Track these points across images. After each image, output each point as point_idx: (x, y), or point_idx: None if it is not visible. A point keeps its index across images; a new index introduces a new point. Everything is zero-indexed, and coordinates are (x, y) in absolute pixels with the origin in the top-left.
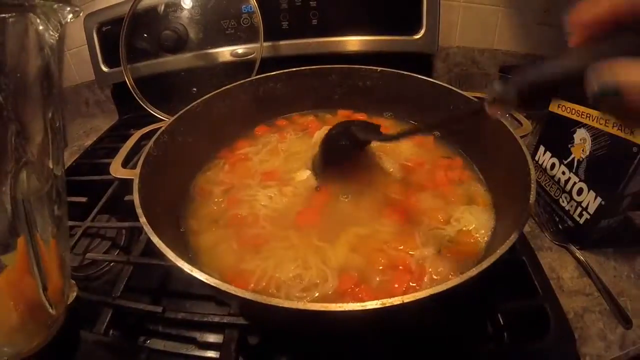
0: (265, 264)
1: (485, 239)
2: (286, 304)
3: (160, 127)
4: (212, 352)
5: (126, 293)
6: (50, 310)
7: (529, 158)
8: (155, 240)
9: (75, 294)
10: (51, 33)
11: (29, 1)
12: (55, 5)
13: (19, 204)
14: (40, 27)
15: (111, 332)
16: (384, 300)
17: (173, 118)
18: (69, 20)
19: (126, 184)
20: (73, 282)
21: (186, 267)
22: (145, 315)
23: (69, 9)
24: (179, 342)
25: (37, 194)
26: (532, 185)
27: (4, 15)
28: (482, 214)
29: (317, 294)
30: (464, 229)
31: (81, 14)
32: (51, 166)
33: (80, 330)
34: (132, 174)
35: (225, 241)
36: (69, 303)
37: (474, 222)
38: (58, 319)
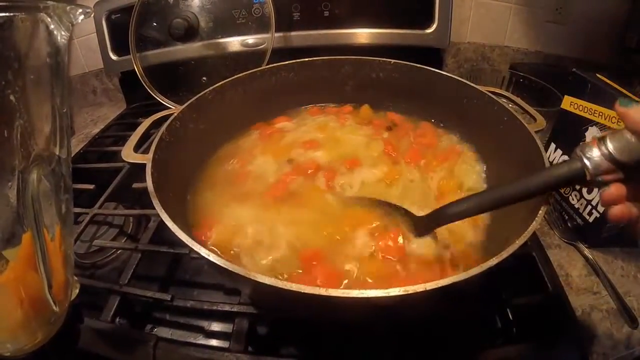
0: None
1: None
2: (307, 289)
3: (173, 113)
4: (221, 341)
5: (133, 281)
6: (54, 307)
7: (543, 153)
8: (170, 224)
9: (77, 290)
10: (63, 33)
11: (41, 2)
12: (68, 7)
13: (28, 204)
14: (52, 27)
15: (118, 320)
16: (407, 287)
17: (185, 105)
18: (79, 20)
19: (134, 172)
20: (75, 278)
21: (203, 252)
22: (152, 304)
23: (80, 10)
24: (186, 330)
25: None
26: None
27: (15, 13)
28: None
29: None
30: None
31: (92, 15)
32: (57, 152)
33: (80, 325)
34: (145, 159)
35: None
36: (71, 299)
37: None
38: (61, 315)
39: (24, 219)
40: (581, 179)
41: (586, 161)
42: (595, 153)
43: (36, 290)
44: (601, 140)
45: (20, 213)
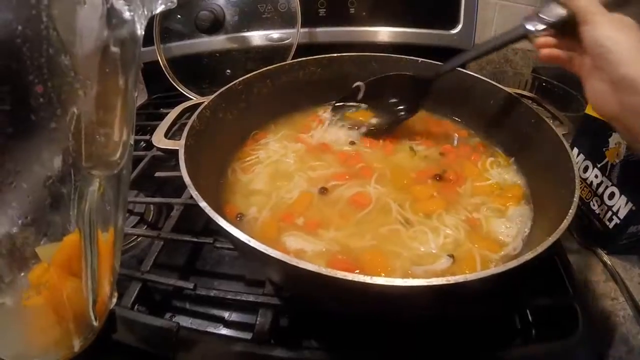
0: None
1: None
2: (350, 277)
3: (202, 102)
4: (242, 332)
5: (154, 269)
6: (95, 323)
7: (571, 155)
8: (208, 210)
9: (115, 299)
10: (143, 22)
11: None
12: None
13: (85, 218)
14: (127, 14)
15: (137, 307)
16: (449, 278)
17: (216, 94)
18: (159, 10)
19: (155, 162)
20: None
21: (243, 237)
22: (172, 292)
23: None
24: (206, 320)
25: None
26: (577, 181)
27: None
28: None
29: None
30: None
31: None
32: (125, 137)
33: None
34: (176, 145)
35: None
36: (110, 309)
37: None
38: (99, 328)
39: (72, 219)
40: (524, 36)
41: (527, 25)
42: (533, 19)
43: (77, 303)
44: (537, 12)
45: (62, 210)
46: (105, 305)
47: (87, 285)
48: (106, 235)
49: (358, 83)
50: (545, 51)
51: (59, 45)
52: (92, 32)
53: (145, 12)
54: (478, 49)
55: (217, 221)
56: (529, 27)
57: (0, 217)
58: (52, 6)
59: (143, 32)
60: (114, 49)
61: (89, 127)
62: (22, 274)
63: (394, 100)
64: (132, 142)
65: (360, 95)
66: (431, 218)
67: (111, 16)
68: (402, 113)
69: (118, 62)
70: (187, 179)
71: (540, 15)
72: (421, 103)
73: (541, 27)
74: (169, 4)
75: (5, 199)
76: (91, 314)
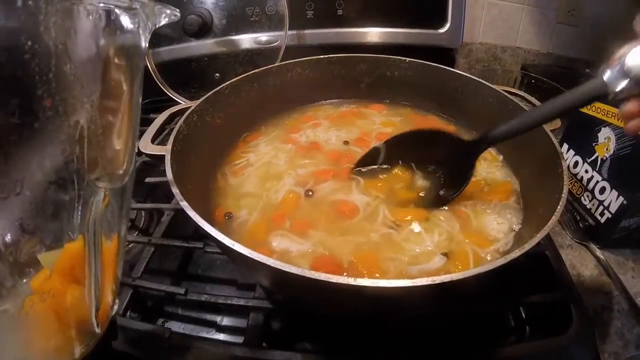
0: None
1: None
2: (334, 279)
3: (189, 107)
4: (234, 336)
5: (145, 275)
6: (97, 330)
7: (559, 150)
8: (192, 214)
9: (116, 306)
10: (147, 35)
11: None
12: (157, 7)
13: (90, 228)
14: (131, 26)
15: (129, 313)
16: (434, 278)
17: (202, 98)
18: (162, 23)
19: (146, 167)
20: None
21: (228, 242)
22: (164, 298)
23: (168, 11)
24: (198, 325)
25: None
26: (565, 177)
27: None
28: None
29: None
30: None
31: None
32: (130, 149)
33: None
34: (163, 150)
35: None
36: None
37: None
38: (100, 336)
39: (74, 226)
40: (603, 94)
41: (605, 77)
42: (614, 70)
43: (79, 311)
44: (620, 57)
45: (65, 218)
46: (107, 313)
47: (91, 293)
48: (110, 244)
49: (376, 144)
50: (633, 124)
51: (65, 59)
52: (97, 44)
53: (150, 25)
54: (539, 113)
55: (196, 221)
56: (610, 81)
57: (4, 224)
58: (58, 20)
59: (147, 45)
60: (119, 61)
61: (94, 137)
62: (24, 280)
63: (427, 168)
64: (136, 151)
65: (381, 160)
66: (420, 217)
67: (116, 28)
68: (442, 191)
69: (122, 73)
70: (171, 180)
71: (626, 65)
72: (468, 176)
73: (625, 82)
74: (173, 17)
75: (8, 206)
76: (94, 321)
